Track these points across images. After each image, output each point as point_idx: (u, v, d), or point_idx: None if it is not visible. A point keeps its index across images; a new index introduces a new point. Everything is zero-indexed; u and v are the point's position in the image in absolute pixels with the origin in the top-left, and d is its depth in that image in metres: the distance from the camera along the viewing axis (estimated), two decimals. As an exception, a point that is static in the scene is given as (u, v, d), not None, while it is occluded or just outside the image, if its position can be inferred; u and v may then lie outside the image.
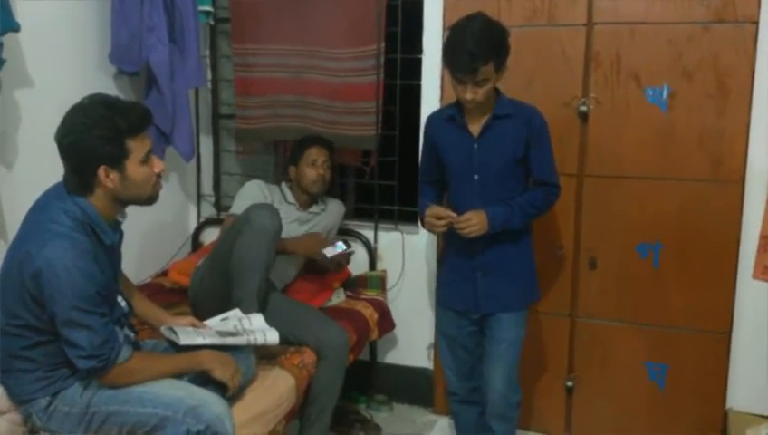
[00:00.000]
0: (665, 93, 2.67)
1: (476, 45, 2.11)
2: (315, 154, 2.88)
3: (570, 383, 2.92)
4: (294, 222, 2.85)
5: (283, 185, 2.95)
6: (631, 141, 2.72)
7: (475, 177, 2.32)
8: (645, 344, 2.81)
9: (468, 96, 2.19)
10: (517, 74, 2.77)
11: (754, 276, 2.68)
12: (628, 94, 2.70)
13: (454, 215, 2.25)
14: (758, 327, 2.69)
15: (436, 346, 3.06)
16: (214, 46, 3.40)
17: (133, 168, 1.83)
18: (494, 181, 2.32)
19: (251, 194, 2.78)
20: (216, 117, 3.46)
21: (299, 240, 2.77)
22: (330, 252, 2.80)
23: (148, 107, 1.95)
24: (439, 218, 2.27)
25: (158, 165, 1.90)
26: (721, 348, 2.72)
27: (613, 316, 2.84)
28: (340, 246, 2.86)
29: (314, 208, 2.94)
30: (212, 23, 3.28)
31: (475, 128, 2.32)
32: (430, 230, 2.37)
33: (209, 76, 3.40)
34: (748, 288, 2.68)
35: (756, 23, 2.54)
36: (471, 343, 2.48)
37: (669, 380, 2.79)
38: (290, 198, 2.90)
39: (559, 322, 2.88)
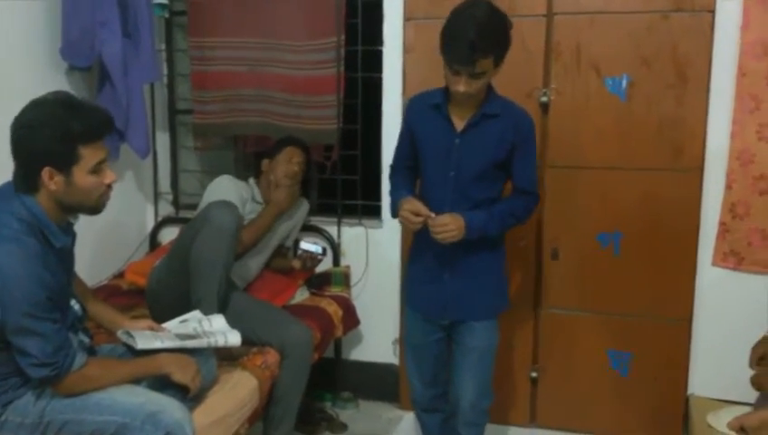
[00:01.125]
0: (624, 83, 2.68)
1: (479, 36, 1.93)
2: (292, 152, 2.85)
3: (534, 374, 2.93)
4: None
5: (251, 182, 2.90)
6: (592, 132, 2.73)
7: (451, 173, 2.16)
8: (607, 333, 2.83)
9: (462, 88, 2.02)
10: (478, 66, 2.77)
11: (714, 263, 2.74)
12: (589, 84, 2.71)
13: (432, 215, 2.09)
14: (718, 314, 2.73)
15: (401, 341, 3.06)
16: (170, 40, 3.32)
17: (80, 175, 1.76)
18: (470, 181, 2.16)
19: (225, 190, 2.68)
20: (173, 112, 3.39)
21: (273, 202, 2.76)
22: (306, 245, 2.88)
23: (110, 115, 1.86)
24: (416, 215, 2.11)
25: (109, 176, 1.83)
26: (682, 335, 2.76)
27: (576, 306, 2.86)
28: (316, 248, 2.84)
29: None
30: (167, 16, 3.20)
31: (459, 121, 2.15)
32: (403, 224, 2.20)
33: (165, 71, 3.32)
34: (708, 275, 2.72)
35: (713, 11, 2.57)
36: (438, 351, 2.34)
37: (632, 367, 2.82)
38: (257, 196, 2.84)
39: (523, 313, 2.88)
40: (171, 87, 3.36)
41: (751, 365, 2.20)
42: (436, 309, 2.28)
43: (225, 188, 2.69)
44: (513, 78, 2.72)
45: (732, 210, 2.68)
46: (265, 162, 2.88)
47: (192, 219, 2.49)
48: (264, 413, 2.40)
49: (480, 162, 2.15)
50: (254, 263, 2.80)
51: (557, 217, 2.80)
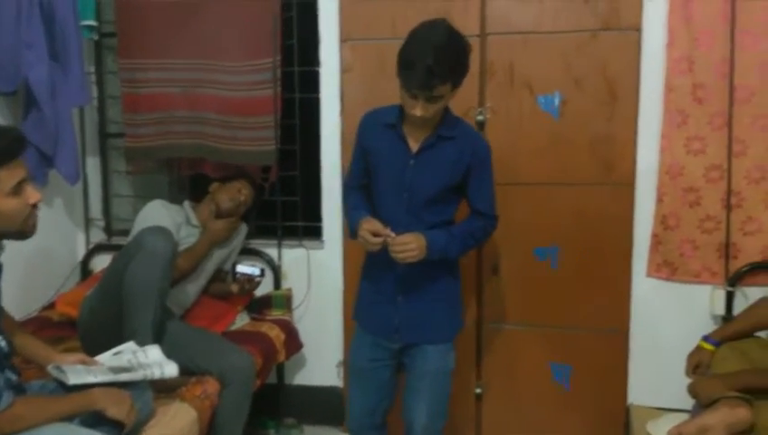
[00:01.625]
0: (557, 101, 2.74)
1: (437, 62, 1.89)
2: (244, 185, 2.87)
3: (479, 390, 2.94)
4: (198, 246, 2.74)
5: (186, 205, 2.83)
6: (527, 149, 2.77)
7: (405, 195, 2.10)
8: (549, 346, 2.86)
9: (419, 112, 1.98)
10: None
11: (648, 274, 2.81)
12: (522, 103, 2.76)
13: (392, 235, 2.02)
14: (654, 324, 2.79)
15: (345, 364, 3.02)
16: (99, 62, 3.24)
17: (0, 199, 1.68)
18: (423, 203, 2.11)
19: (157, 215, 2.61)
20: (104, 136, 3.30)
21: (208, 232, 2.74)
22: (242, 268, 2.84)
23: (22, 132, 1.79)
24: (375, 235, 2.03)
25: (33, 196, 1.75)
26: (620, 346, 2.82)
27: (517, 320, 2.88)
28: (253, 270, 2.80)
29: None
30: (96, 38, 3.13)
31: (414, 142, 2.11)
32: (363, 244, 2.09)
33: (95, 93, 3.24)
34: (643, 286, 2.79)
35: (639, 30, 2.66)
36: (384, 378, 2.25)
37: (573, 379, 2.85)
38: (193, 220, 2.78)
39: (466, 329, 2.87)
40: (102, 110, 3.28)
41: (687, 374, 2.26)
42: (387, 331, 2.20)
43: (158, 214, 2.63)
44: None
45: (663, 222, 2.76)
46: (215, 185, 2.86)
47: (124, 246, 2.41)
48: (204, 446, 2.33)
49: (434, 184, 2.11)
50: (192, 289, 2.73)
51: (496, 232, 2.79)
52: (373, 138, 2.18)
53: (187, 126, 3.05)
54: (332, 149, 2.98)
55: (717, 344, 2.22)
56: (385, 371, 2.26)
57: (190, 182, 3.30)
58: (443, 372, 2.21)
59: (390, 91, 2.76)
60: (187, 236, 2.72)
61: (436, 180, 2.11)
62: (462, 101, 2.76)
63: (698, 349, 2.26)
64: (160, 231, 2.35)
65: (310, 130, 3.06)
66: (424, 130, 2.11)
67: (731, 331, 2.26)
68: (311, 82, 3.03)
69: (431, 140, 2.11)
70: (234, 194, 2.81)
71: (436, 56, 1.89)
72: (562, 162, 2.76)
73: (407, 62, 1.95)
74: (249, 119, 2.98)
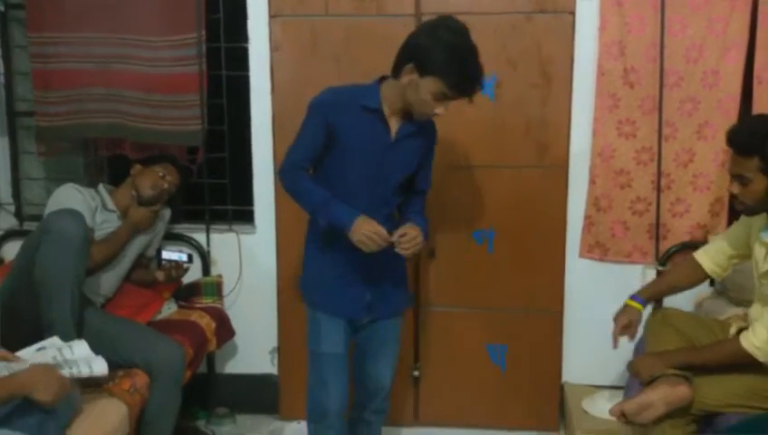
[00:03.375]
0: (492, 83, 2.72)
1: (481, 67, 1.98)
2: (168, 170, 2.69)
3: (416, 373, 2.92)
4: (116, 232, 2.58)
5: (101, 188, 2.65)
6: (463, 131, 2.75)
7: (377, 179, 2.09)
8: (485, 328, 2.87)
9: (442, 112, 2.03)
10: (348, 65, 2.73)
11: (581, 255, 2.86)
12: (459, 84, 2.72)
13: (396, 236, 2.00)
14: (587, 303, 2.84)
15: (279, 350, 2.94)
16: (6, 36, 3.02)
17: None
18: (393, 188, 2.13)
19: (69, 199, 2.44)
20: (12, 115, 3.07)
21: (129, 220, 2.58)
22: (169, 254, 2.70)
23: None
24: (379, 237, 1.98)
25: None
26: (555, 326, 2.86)
27: (454, 303, 2.88)
28: (180, 256, 2.67)
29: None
30: (2, 9, 2.93)
31: (392, 129, 2.10)
32: (362, 244, 1.98)
33: (1, 70, 3.02)
34: (576, 267, 2.84)
35: (573, 13, 2.68)
36: (347, 355, 2.25)
37: (509, 360, 2.88)
38: (110, 204, 2.60)
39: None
40: (9, 87, 3.05)
41: (614, 334, 2.27)
42: (360, 310, 2.19)
43: (70, 197, 2.46)
44: (386, 77, 2.73)
45: (596, 204, 2.80)
46: (137, 167, 2.68)
47: (31, 232, 2.23)
48: (134, 441, 2.21)
49: (405, 170, 2.16)
50: (112, 276, 2.59)
51: (433, 216, 2.76)
52: (344, 118, 2.06)
53: (104, 104, 2.89)
54: (263, 130, 2.87)
55: (643, 303, 2.25)
56: (348, 346, 2.25)
57: (108, 164, 3.11)
58: (399, 338, 2.34)
59: (323, 71, 2.73)
60: (104, 222, 2.56)
61: (407, 166, 2.16)
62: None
63: (626, 308, 2.27)
64: (69, 214, 2.20)
65: (239, 109, 2.94)
66: (398, 116, 2.10)
67: (656, 290, 2.32)
68: (239, 60, 2.90)
69: (411, 128, 2.11)
70: (156, 180, 2.64)
71: (479, 61, 1.97)
72: (499, 145, 2.76)
73: (462, 70, 1.94)
74: (172, 97, 2.85)
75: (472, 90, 1.99)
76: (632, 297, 2.30)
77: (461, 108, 2.67)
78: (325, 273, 2.20)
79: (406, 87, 2.00)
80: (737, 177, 1.94)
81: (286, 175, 2.12)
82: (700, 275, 2.26)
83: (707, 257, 2.24)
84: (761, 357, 1.88)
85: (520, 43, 2.69)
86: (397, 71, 2.02)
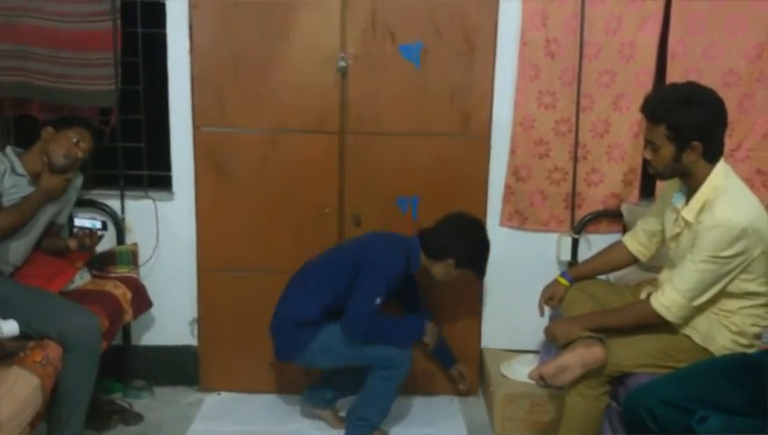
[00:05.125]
0: (418, 50, 2.71)
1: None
2: (82, 134, 2.52)
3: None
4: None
5: (9, 151, 2.48)
6: (389, 98, 2.74)
7: None
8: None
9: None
10: (275, 30, 2.65)
11: (501, 224, 2.92)
12: (385, 50, 2.70)
13: None
14: (505, 270, 2.89)
15: (200, 321, 2.88)
16: None
17: None
18: None
19: None
20: None
21: (40, 188, 2.43)
22: (81, 221, 2.58)
23: None
24: None
25: None
26: (475, 293, 2.91)
27: (379, 270, 2.88)
28: (93, 223, 2.55)
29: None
30: None
31: None
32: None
33: None
34: (496, 235, 2.87)
35: (497, -19, 2.69)
36: None
37: (432, 328, 2.92)
38: (19, 168, 2.45)
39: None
40: None
41: (540, 304, 2.39)
42: None
43: None
44: (311, 42, 2.68)
45: (515, 173, 2.86)
46: (48, 130, 2.51)
47: None
48: (47, 414, 2.12)
49: None
50: (22, 244, 2.45)
51: (358, 183, 2.78)
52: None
53: (8, 61, 2.71)
54: (181, 91, 2.76)
55: (572, 281, 2.35)
56: None
57: (16, 125, 2.92)
58: None
59: (245, 29, 2.64)
60: (12, 187, 2.41)
61: None
62: (323, 47, 2.68)
63: (554, 283, 2.38)
64: None
65: (155, 68, 2.81)
66: None
67: (585, 270, 2.41)
68: (156, 16, 2.77)
69: None
70: (70, 148, 2.48)
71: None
72: (423, 112, 2.76)
73: (485, 257, 2.56)
74: (83, 54, 2.72)
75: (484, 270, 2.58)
76: (562, 274, 2.40)
77: (386, 75, 2.70)
78: None
79: (438, 268, 2.49)
80: (649, 143, 2.03)
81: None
82: (626, 258, 2.36)
83: (632, 239, 2.34)
84: (669, 317, 1.98)
85: (445, 10, 2.68)
86: (436, 258, 2.48)
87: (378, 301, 2.35)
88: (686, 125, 1.94)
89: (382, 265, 2.40)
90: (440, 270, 2.48)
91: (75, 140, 2.50)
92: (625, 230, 2.72)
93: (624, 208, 2.82)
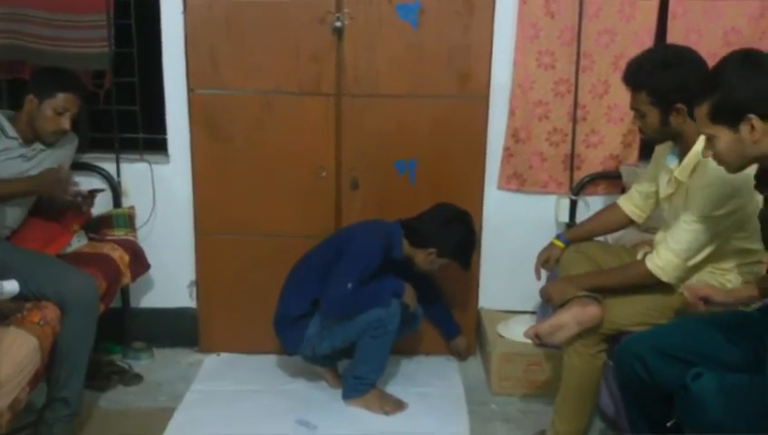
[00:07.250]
0: (415, 9, 2.67)
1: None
2: (66, 102, 2.41)
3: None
4: (18, 159, 2.41)
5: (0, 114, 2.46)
6: (385, 59, 2.70)
7: None
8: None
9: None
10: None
11: (499, 186, 2.91)
12: (381, 10, 2.66)
13: None
14: (503, 233, 2.91)
15: (198, 283, 2.89)
16: None
17: None
18: None
19: None
20: None
21: (36, 178, 2.35)
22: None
23: None
24: None
25: None
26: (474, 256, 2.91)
27: (377, 233, 2.87)
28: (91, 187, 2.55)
29: (41, 144, 2.49)
30: None
31: None
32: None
33: None
34: (494, 197, 2.89)
35: (496, -62, 2.63)
36: None
37: (429, 288, 2.93)
38: (10, 131, 2.42)
39: (324, 243, 2.84)
40: None
41: (536, 267, 2.40)
42: None
43: None
44: (306, 1, 2.63)
45: (515, 135, 2.84)
46: (30, 99, 2.40)
47: None
48: (47, 375, 2.14)
49: None
50: (17, 208, 2.44)
51: (355, 146, 2.76)
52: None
53: (5, 23, 2.68)
54: (175, 53, 2.72)
55: (567, 243, 2.36)
56: None
57: (8, 88, 2.89)
58: None
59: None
60: (4, 150, 2.38)
61: None
62: (318, 6, 2.63)
63: (550, 245, 2.40)
64: None
65: (149, 30, 2.77)
66: None
67: (581, 232, 2.41)
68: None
69: None
70: (56, 124, 2.40)
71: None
72: (420, 74, 2.71)
73: (470, 251, 2.56)
74: (77, 17, 2.69)
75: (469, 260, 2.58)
76: (558, 236, 2.41)
77: (382, 35, 2.66)
78: None
79: (420, 256, 2.52)
80: (635, 111, 2.02)
81: None
82: (622, 219, 2.36)
83: (627, 201, 2.34)
84: (664, 277, 1.98)
85: (442, -32, 2.64)
86: (419, 246, 2.51)
87: (349, 286, 2.38)
88: (666, 88, 1.92)
89: (357, 252, 2.44)
90: (422, 259, 2.52)
91: (60, 110, 2.41)
92: (623, 192, 2.70)
93: (623, 170, 2.81)
